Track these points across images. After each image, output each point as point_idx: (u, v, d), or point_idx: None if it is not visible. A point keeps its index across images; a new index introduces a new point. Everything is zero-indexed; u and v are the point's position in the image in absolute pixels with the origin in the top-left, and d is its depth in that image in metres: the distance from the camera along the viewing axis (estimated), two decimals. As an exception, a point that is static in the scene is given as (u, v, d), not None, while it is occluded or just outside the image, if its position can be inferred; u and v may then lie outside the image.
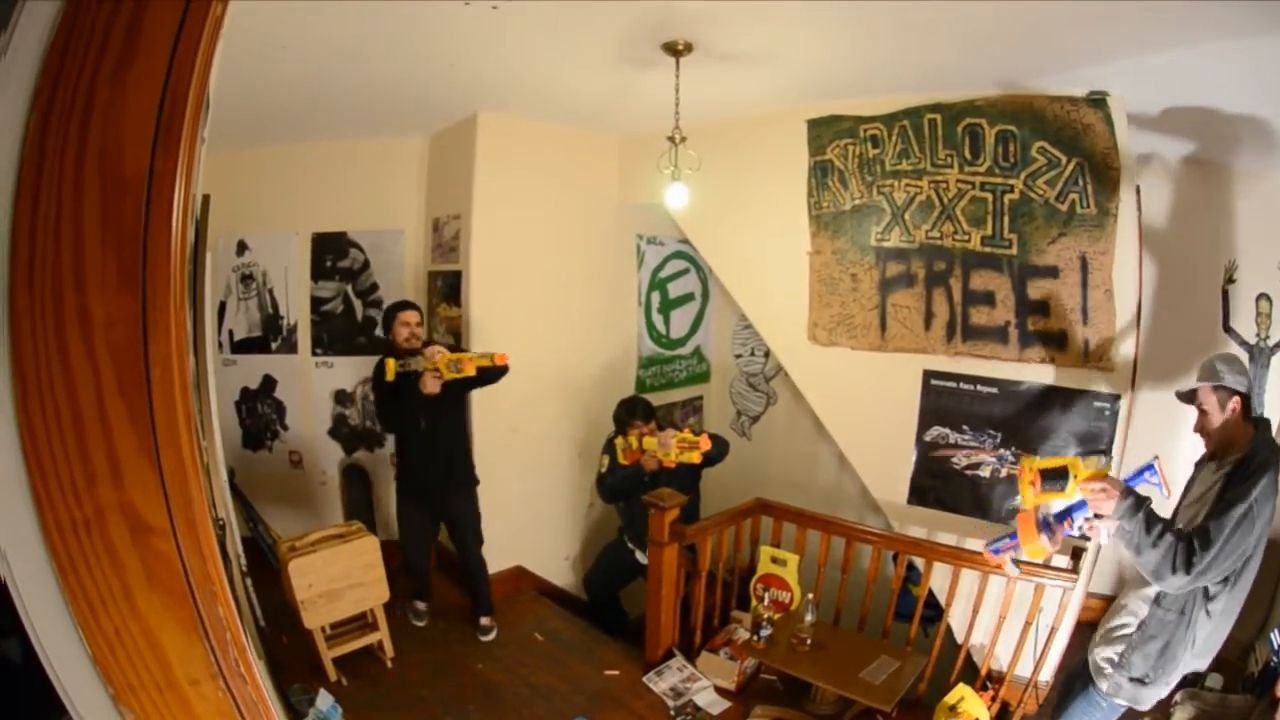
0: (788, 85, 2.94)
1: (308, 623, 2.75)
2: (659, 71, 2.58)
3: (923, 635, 3.03)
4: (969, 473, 2.99)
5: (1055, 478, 1.92)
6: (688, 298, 4.68)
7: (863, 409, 3.32)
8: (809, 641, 2.80)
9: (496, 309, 3.58)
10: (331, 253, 3.95)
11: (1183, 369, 2.64)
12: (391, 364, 2.85)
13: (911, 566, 3.07)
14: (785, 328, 3.52)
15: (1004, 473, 2.92)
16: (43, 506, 0.79)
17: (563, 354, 3.89)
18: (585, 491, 4.08)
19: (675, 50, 2.43)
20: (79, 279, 0.79)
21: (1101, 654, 2.04)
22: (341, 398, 4.04)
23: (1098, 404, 2.70)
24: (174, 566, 0.84)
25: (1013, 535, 2.11)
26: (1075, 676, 2.19)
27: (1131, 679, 1.96)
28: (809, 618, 2.82)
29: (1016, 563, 2.41)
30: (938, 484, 3.08)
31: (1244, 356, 3.06)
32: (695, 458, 2.95)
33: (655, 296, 4.46)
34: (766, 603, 3.08)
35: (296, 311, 3.98)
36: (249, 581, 2.47)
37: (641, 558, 3.34)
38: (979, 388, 2.95)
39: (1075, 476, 1.89)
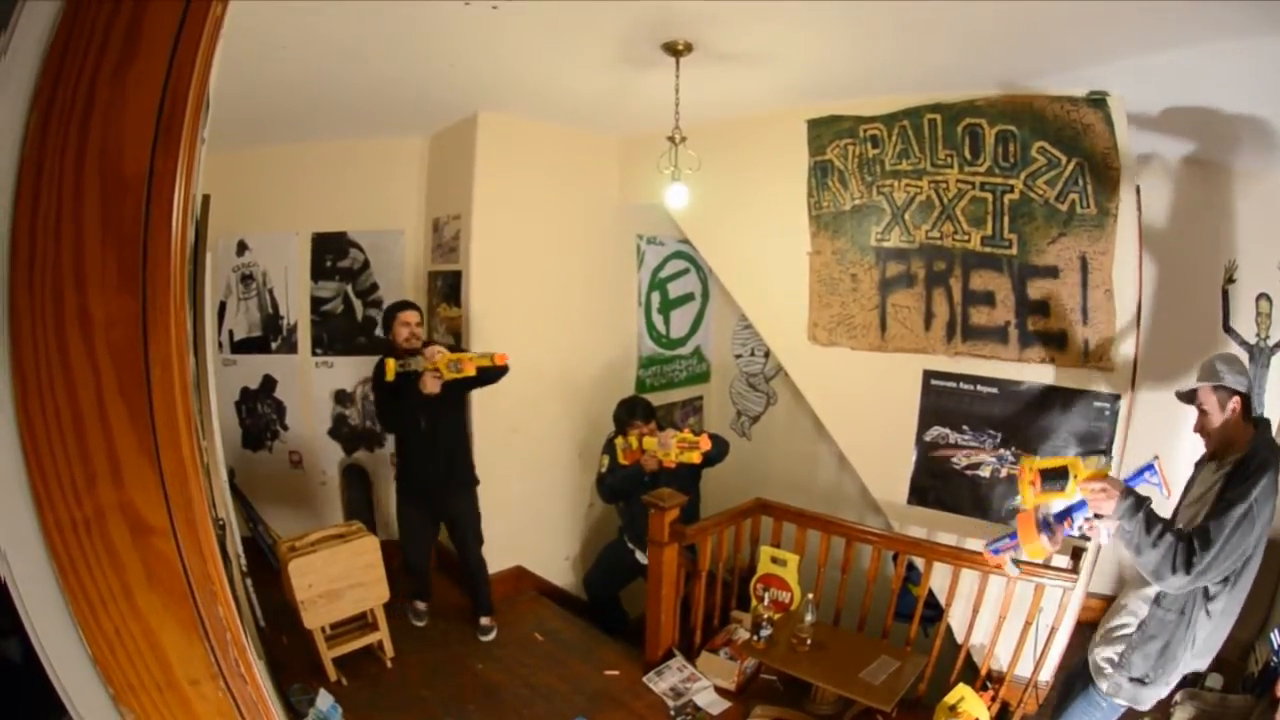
0: (788, 85, 2.94)
1: (308, 623, 2.75)
2: (659, 71, 2.58)
3: (923, 635, 3.03)
4: (969, 473, 2.99)
5: (1055, 478, 1.92)
6: (688, 298, 4.68)
7: (863, 409, 3.32)
8: (809, 641, 2.80)
9: (496, 309, 3.58)
10: (331, 253, 3.95)
11: (1183, 369, 2.64)
12: (391, 364, 2.85)
13: (911, 566, 3.07)
14: (785, 328, 3.52)
15: (1004, 473, 2.92)
16: (43, 506, 0.79)
17: (563, 354, 3.89)
18: (585, 491, 4.08)
19: (675, 50, 2.43)
20: (79, 279, 0.79)
21: (1101, 654, 2.04)
22: (341, 398, 4.04)
23: (1098, 404, 2.70)
24: (174, 566, 0.84)
25: (1013, 535, 2.11)
26: (1075, 676, 2.19)
27: (1132, 679, 1.96)
28: (809, 618, 2.82)
29: (1016, 563, 2.41)
30: (938, 484, 3.08)
31: (1244, 356, 3.06)
32: (695, 458, 2.95)
33: (655, 296, 4.46)
34: (766, 603, 3.08)
35: (296, 311, 3.98)
36: (249, 581, 2.47)
37: (641, 558, 3.34)
38: (979, 388, 2.95)
39: (1075, 476, 1.89)
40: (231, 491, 3.31)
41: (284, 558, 2.75)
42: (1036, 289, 2.77)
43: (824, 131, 3.20)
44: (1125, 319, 2.63)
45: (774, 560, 3.17)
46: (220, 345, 3.95)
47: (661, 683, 2.92)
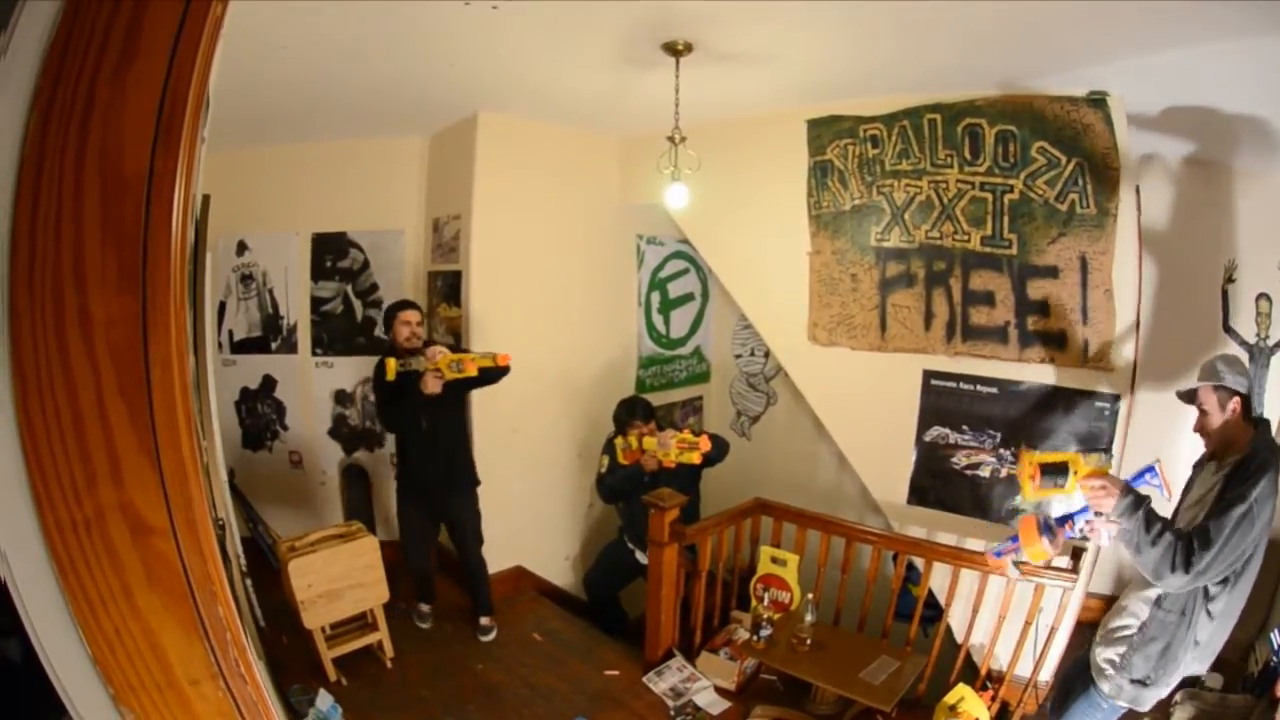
0: (788, 85, 2.94)
1: (308, 623, 2.75)
2: (659, 71, 2.58)
3: (922, 635, 3.03)
4: (969, 473, 2.99)
5: (1055, 472, 1.92)
6: (688, 298, 4.68)
7: (863, 409, 3.32)
8: (809, 641, 2.80)
9: (496, 309, 3.58)
10: (331, 253, 3.95)
11: (1183, 369, 2.64)
12: (392, 363, 2.84)
13: (911, 566, 3.07)
14: (785, 328, 3.52)
15: (1004, 473, 2.92)
16: (43, 506, 0.79)
17: (563, 354, 3.89)
18: (585, 491, 4.08)
19: (675, 50, 2.43)
20: (79, 279, 0.79)
21: (1103, 655, 2.04)
22: (341, 398, 4.04)
23: (1098, 404, 2.70)
24: (174, 566, 0.84)
25: (1014, 538, 2.11)
26: (1074, 677, 2.19)
27: (1133, 681, 1.96)
28: (809, 618, 2.82)
29: (1017, 564, 2.41)
30: (937, 484, 3.08)
31: (1244, 356, 3.06)
32: (695, 458, 2.95)
33: (655, 296, 4.46)
34: (766, 603, 3.08)
35: (296, 311, 3.98)
36: (249, 581, 2.47)
37: (641, 558, 3.34)
38: (979, 388, 2.95)
39: (1075, 472, 1.89)
40: (231, 491, 3.31)
41: (284, 558, 2.75)
42: (1036, 289, 2.77)
43: (824, 131, 3.20)
44: (1125, 319, 2.63)
45: (774, 560, 3.17)
46: (220, 345, 3.95)
47: (661, 683, 2.92)
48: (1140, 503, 1.82)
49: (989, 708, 2.53)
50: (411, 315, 3.03)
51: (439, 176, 3.80)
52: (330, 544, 2.84)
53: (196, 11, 0.82)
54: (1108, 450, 2.66)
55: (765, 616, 2.90)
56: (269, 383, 4.03)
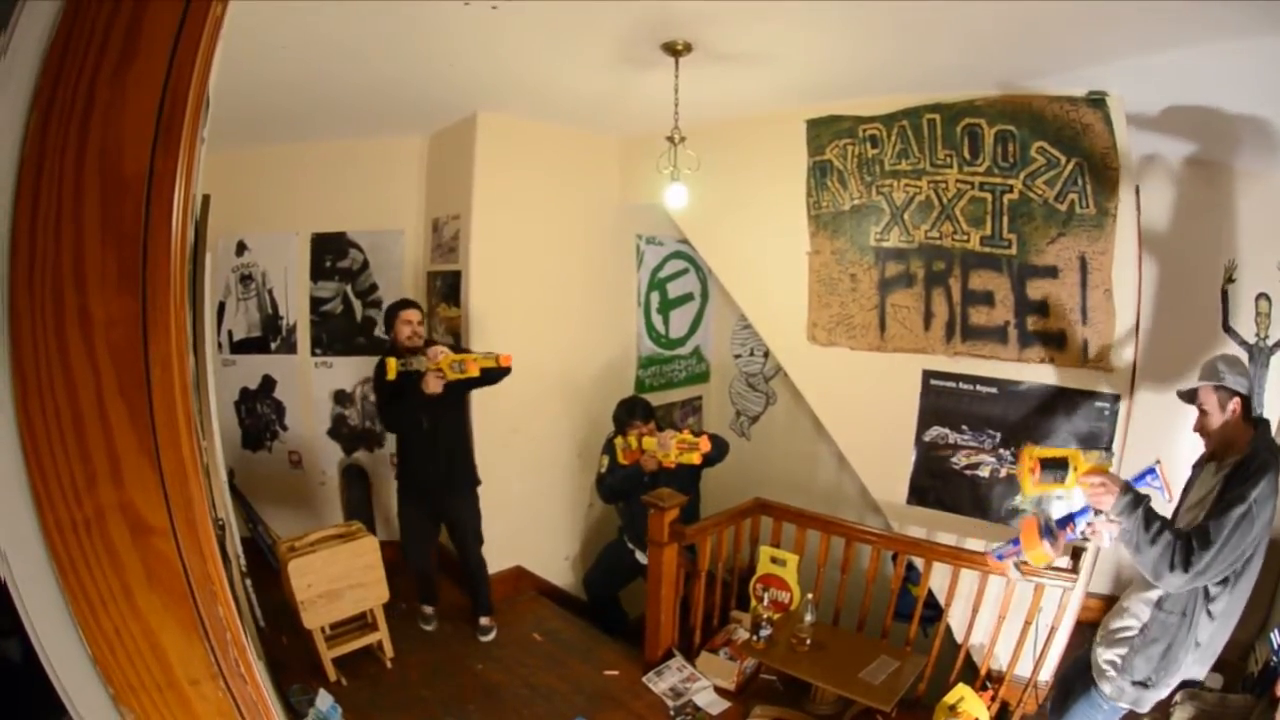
0: (787, 85, 2.94)
1: (307, 623, 2.75)
2: (659, 71, 2.58)
3: (922, 635, 3.03)
4: (968, 473, 2.99)
5: (1055, 468, 1.91)
6: (687, 298, 4.68)
7: (862, 409, 3.32)
8: (808, 641, 2.80)
9: (496, 309, 3.58)
10: (331, 253, 3.95)
11: (1183, 369, 2.64)
12: (393, 363, 2.84)
13: (911, 566, 3.07)
14: (785, 328, 3.52)
15: (1003, 473, 2.92)
16: (43, 506, 0.79)
17: (563, 354, 3.89)
18: (585, 491, 4.08)
19: (675, 50, 2.43)
20: (79, 279, 0.79)
21: (1104, 657, 2.04)
22: (341, 398, 4.04)
23: (1098, 404, 2.70)
24: (174, 566, 0.84)
25: (1015, 540, 2.11)
26: (1074, 677, 2.19)
27: (1135, 683, 1.96)
28: (808, 618, 2.83)
29: (1018, 566, 2.40)
30: (937, 484, 3.08)
31: (1243, 356, 3.06)
32: (695, 458, 2.95)
33: (655, 296, 4.46)
34: (766, 603, 3.08)
35: (296, 312, 3.98)
36: (249, 581, 2.47)
37: (641, 558, 3.34)
38: (978, 388, 2.95)
39: (1075, 469, 1.89)
40: (231, 491, 3.31)
41: (284, 558, 2.75)
42: (1036, 289, 2.77)
43: (823, 131, 3.20)
44: (1125, 319, 2.63)
45: (773, 560, 3.17)
46: (220, 345, 3.95)
47: (661, 683, 2.92)
48: (1139, 501, 1.82)
49: (989, 708, 2.53)
50: (412, 314, 3.03)
51: (439, 176, 3.80)
52: (330, 544, 2.84)
53: (196, 11, 0.82)
54: (1108, 449, 2.66)
55: (765, 616, 2.90)
56: (268, 383, 4.03)
